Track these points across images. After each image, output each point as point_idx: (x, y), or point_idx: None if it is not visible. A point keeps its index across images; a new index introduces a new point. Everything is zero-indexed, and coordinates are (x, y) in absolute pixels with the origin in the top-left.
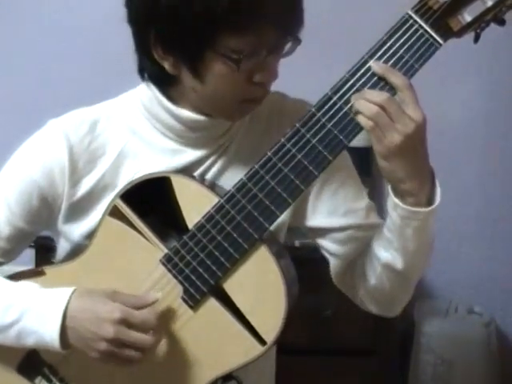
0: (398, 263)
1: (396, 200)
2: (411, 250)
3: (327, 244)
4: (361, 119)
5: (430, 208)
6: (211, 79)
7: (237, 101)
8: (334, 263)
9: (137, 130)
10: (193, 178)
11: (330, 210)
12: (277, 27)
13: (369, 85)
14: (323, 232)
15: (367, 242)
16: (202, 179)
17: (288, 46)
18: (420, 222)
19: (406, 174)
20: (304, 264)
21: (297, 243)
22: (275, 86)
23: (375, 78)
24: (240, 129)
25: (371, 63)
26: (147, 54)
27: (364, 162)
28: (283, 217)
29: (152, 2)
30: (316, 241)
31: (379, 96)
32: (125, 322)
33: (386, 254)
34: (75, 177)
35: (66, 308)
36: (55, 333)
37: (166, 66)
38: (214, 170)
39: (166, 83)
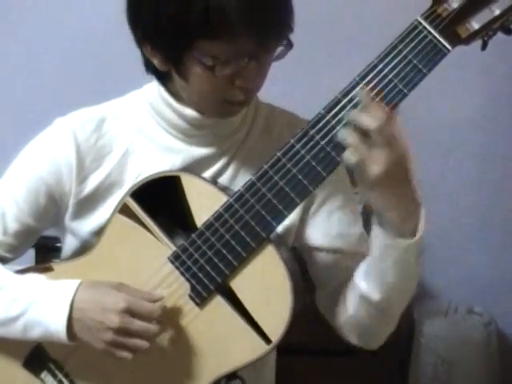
0: (375, 295)
1: (378, 229)
2: (390, 282)
3: (315, 265)
4: (344, 154)
5: (410, 240)
6: (193, 80)
7: (219, 101)
8: (318, 288)
9: (143, 129)
10: (202, 177)
11: (323, 229)
12: (254, 36)
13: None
14: (313, 250)
15: (352, 271)
16: (213, 181)
17: (279, 49)
18: (400, 253)
19: (389, 205)
20: (305, 264)
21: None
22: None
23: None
24: (251, 132)
25: (357, 89)
26: (141, 49)
27: None
28: (292, 219)
29: (136, 3)
30: (307, 260)
31: (369, 120)
32: (130, 312)
33: (364, 284)
34: (82, 174)
35: (73, 300)
36: (62, 324)
37: (155, 62)
38: (227, 175)
39: (162, 78)
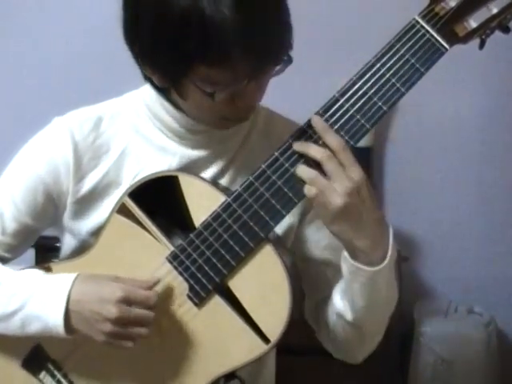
0: (348, 315)
1: (345, 253)
2: (360, 305)
3: (304, 273)
4: (305, 187)
5: (375, 268)
6: (191, 99)
7: (218, 118)
8: (306, 296)
9: (140, 129)
10: (200, 177)
11: (314, 240)
12: (253, 61)
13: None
14: (302, 259)
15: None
16: (213, 182)
17: (277, 67)
18: (366, 279)
19: (353, 235)
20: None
21: None
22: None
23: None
24: (251, 135)
25: (312, 116)
26: (138, 65)
27: (364, 162)
28: (290, 220)
29: (134, 23)
30: (298, 267)
31: (317, 152)
32: (127, 301)
33: (340, 302)
34: (80, 173)
35: (70, 292)
36: (59, 317)
37: (154, 79)
38: (226, 178)
39: (160, 90)
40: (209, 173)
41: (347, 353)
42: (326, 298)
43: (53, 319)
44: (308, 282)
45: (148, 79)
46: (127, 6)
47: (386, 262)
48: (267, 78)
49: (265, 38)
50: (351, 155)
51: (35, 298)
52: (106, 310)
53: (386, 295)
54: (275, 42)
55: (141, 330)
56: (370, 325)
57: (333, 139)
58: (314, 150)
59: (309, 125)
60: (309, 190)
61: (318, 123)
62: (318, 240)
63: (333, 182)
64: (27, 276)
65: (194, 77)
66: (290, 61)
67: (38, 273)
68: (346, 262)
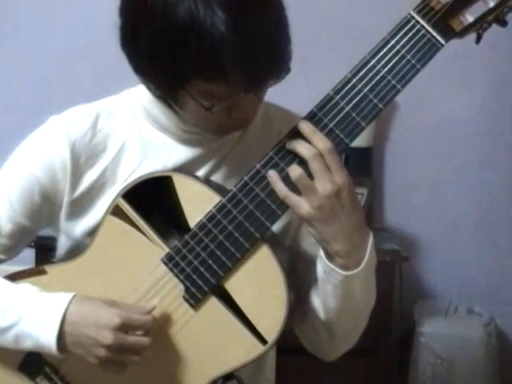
0: (321, 314)
1: (321, 252)
2: (332, 306)
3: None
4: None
5: (348, 272)
6: (188, 110)
7: (216, 128)
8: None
9: (136, 127)
10: (194, 177)
11: (303, 234)
12: (251, 76)
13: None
14: (296, 254)
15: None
16: (205, 180)
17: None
18: (339, 282)
19: (330, 237)
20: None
21: None
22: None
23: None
24: (249, 129)
25: (299, 124)
26: (135, 72)
27: (364, 161)
28: (287, 218)
29: (132, 39)
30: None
31: (305, 150)
32: (123, 328)
33: (315, 300)
34: (77, 173)
35: (65, 313)
36: (52, 337)
37: (151, 88)
38: (220, 173)
39: (157, 96)
40: (204, 169)
41: (319, 351)
42: (305, 295)
43: (46, 338)
44: (299, 279)
45: (145, 85)
46: (125, 17)
47: (360, 267)
48: (265, 89)
49: (263, 54)
50: (337, 158)
51: (29, 316)
52: (102, 335)
53: (361, 300)
54: (274, 57)
55: (133, 358)
56: (341, 326)
57: (320, 141)
58: (301, 148)
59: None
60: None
61: (305, 127)
62: (308, 235)
63: (315, 181)
64: (21, 291)
65: (190, 90)
66: (288, 70)
67: (32, 289)
68: (321, 262)
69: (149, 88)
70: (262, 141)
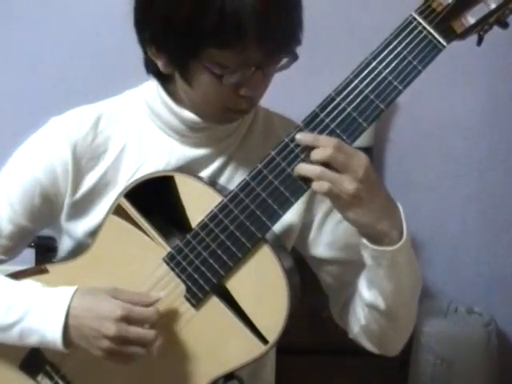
0: (380, 304)
1: (364, 240)
2: (389, 290)
3: (325, 277)
4: (314, 185)
5: (395, 246)
6: (197, 85)
7: (222, 109)
8: (331, 299)
9: (138, 127)
10: (196, 177)
11: (330, 241)
12: (264, 46)
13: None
14: (321, 263)
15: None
16: (211, 181)
17: (283, 61)
18: (389, 261)
19: (372, 219)
20: (304, 264)
21: None
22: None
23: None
24: (250, 134)
25: (297, 136)
26: (144, 50)
27: None
28: (290, 219)
29: (148, 5)
30: (316, 273)
31: (321, 153)
32: (126, 319)
33: (369, 293)
34: (79, 174)
35: (69, 307)
36: (58, 332)
37: (159, 64)
38: (224, 176)
39: (163, 79)
40: (207, 171)
41: (386, 345)
42: (351, 296)
43: (51, 333)
44: (331, 285)
45: (151, 68)
46: None
47: (404, 237)
48: (272, 70)
49: (279, 27)
50: (349, 146)
51: (34, 312)
52: (105, 327)
53: (410, 275)
54: (288, 31)
55: (138, 350)
56: (402, 310)
57: (326, 142)
58: (315, 155)
59: (306, 124)
60: (320, 186)
61: (303, 137)
62: (334, 242)
63: (344, 170)
64: (25, 287)
65: (203, 60)
66: (295, 57)
67: (35, 285)
68: (367, 250)
69: (155, 73)
70: (263, 146)
